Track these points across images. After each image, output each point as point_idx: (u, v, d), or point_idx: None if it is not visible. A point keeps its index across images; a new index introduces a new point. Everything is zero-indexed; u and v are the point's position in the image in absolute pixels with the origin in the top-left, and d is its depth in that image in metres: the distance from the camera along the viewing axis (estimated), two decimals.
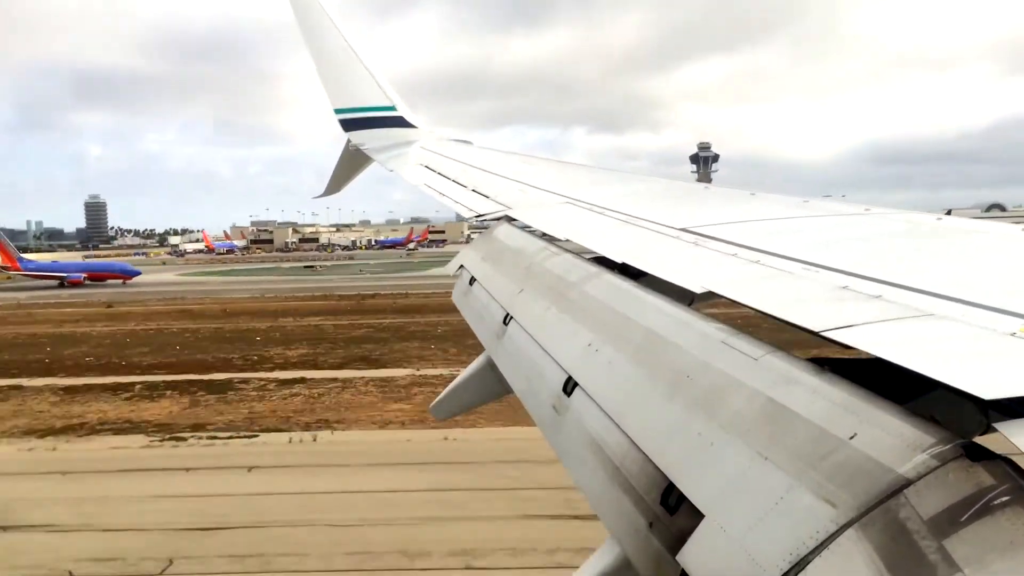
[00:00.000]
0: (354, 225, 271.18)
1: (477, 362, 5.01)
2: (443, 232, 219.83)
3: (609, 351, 3.04)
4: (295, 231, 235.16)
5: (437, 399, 5.42)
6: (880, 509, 1.58)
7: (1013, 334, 1.79)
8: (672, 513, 2.14)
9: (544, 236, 4.98)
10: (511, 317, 4.18)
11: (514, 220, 5.78)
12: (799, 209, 4.20)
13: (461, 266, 5.81)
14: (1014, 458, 1.58)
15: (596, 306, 3.49)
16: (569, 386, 3.05)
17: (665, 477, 2.21)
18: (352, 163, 12.13)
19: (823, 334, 2.19)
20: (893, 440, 1.71)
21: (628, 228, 4.42)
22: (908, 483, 1.58)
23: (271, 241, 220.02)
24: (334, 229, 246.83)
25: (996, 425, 1.62)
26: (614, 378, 2.87)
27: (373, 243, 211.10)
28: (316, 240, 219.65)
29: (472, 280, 5.35)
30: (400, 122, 11.63)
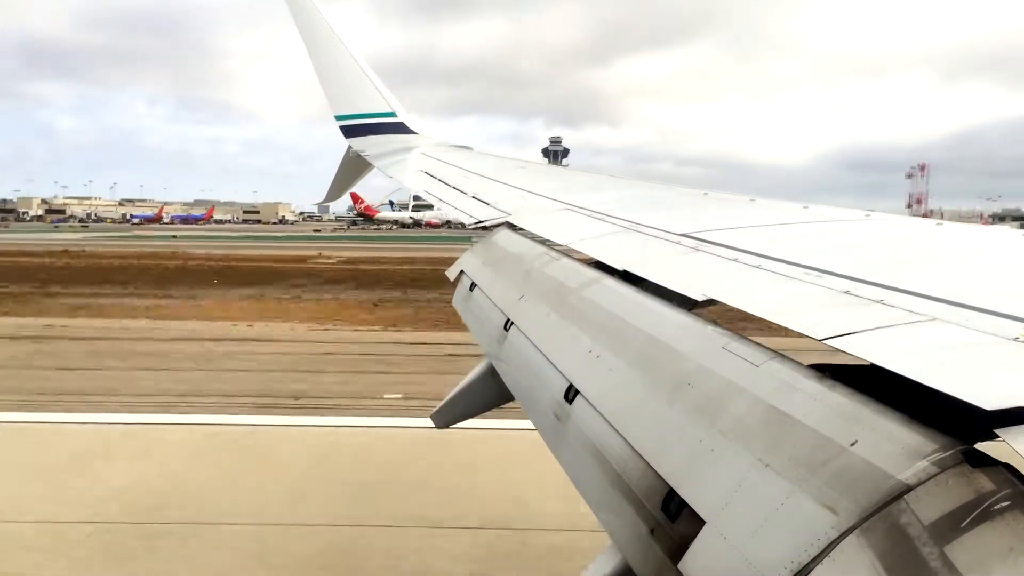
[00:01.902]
0: (148, 200, 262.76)
1: (478, 369, 5.02)
2: (257, 212, 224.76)
3: (610, 358, 3.03)
4: (44, 202, 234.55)
5: (437, 407, 5.41)
6: (881, 515, 1.58)
7: (1016, 339, 1.80)
8: (673, 520, 2.14)
9: (544, 242, 4.98)
10: (512, 323, 4.16)
11: (514, 226, 5.79)
12: (799, 215, 4.20)
13: (461, 272, 5.82)
14: (1016, 464, 1.57)
15: (597, 312, 3.49)
16: (570, 393, 3.04)
17: (666, 484, 2.21)
18: (352, 169, 12.22)
19: (825, 341, 2.18)
20: (894, 446, 1.71)
21: (628, 235, 4.42)
22: (909, 489, 1.58)
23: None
24: (118, 203, 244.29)
25: (999, 432, 1.60)
26: (615, 385, 2.87)
27: (173, 218, 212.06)
28: (63, 212, 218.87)
29: (472, 286, 5.35)
30: (401, 128, 11.74)
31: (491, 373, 4.56)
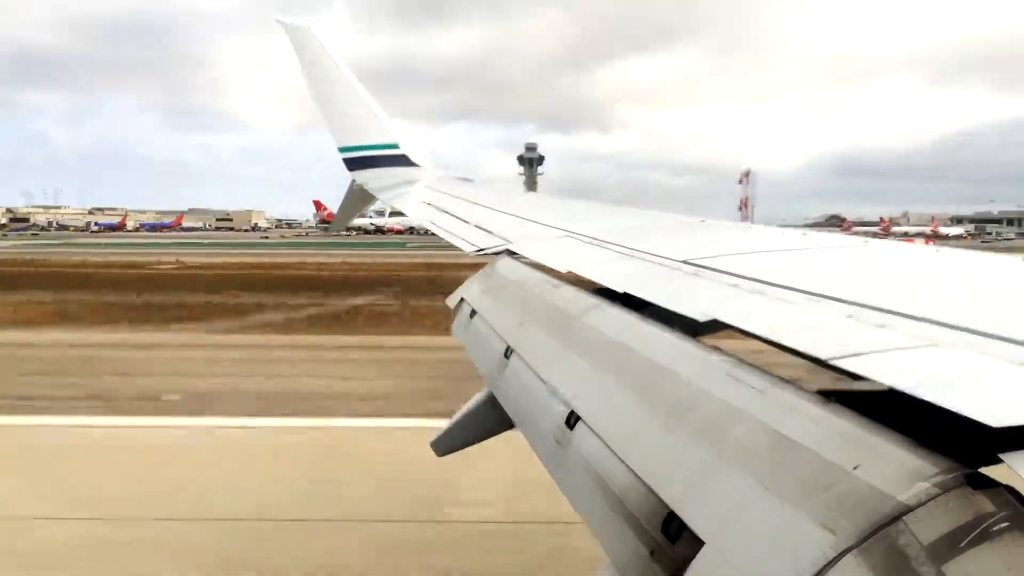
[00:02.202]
0: (119, 209, 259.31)
1: (478, 397, 5.02)
2: (230, 220, 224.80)
3: (611, 383, 3.05)
4: (8, 211, 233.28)
5: (437, 436, 5.40)
6: (879, 535, 1.59)
7: (1022, 364, 1.80)
8: (674, 542, 2.14)
9: (544, 269, 4.99)
10: (512, 350, 4.17)
11: (515, 254, 5.82)
12: (799, 240, 4.24)
13: (462, 299, 5.82)
14: (1019, 488, 1.58)
15: (597, 338, 3.50)
16: (571, 419, 3.04)
17: (666, 506, 2.22)
18: (357, 201, 12.34)
19: (831, 363, 2.20)
20: (895, 469, 1.73)
21: (628, 260, 4.46)
22: (908, 510, 1.59)
23: None
24: (86, 212, 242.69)
25: (1002, 456, 1.63)
26: (616, 410, 2.88)
27: (141, 225, 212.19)
28: (26, 220, 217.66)
29: (473, 313, 5.36)
30: (403, 161, 11.88)
31: (491, 401, 4.54)
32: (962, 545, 1.48)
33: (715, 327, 3.06)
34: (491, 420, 4.75)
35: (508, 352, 4.20)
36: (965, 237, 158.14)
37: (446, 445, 5.36)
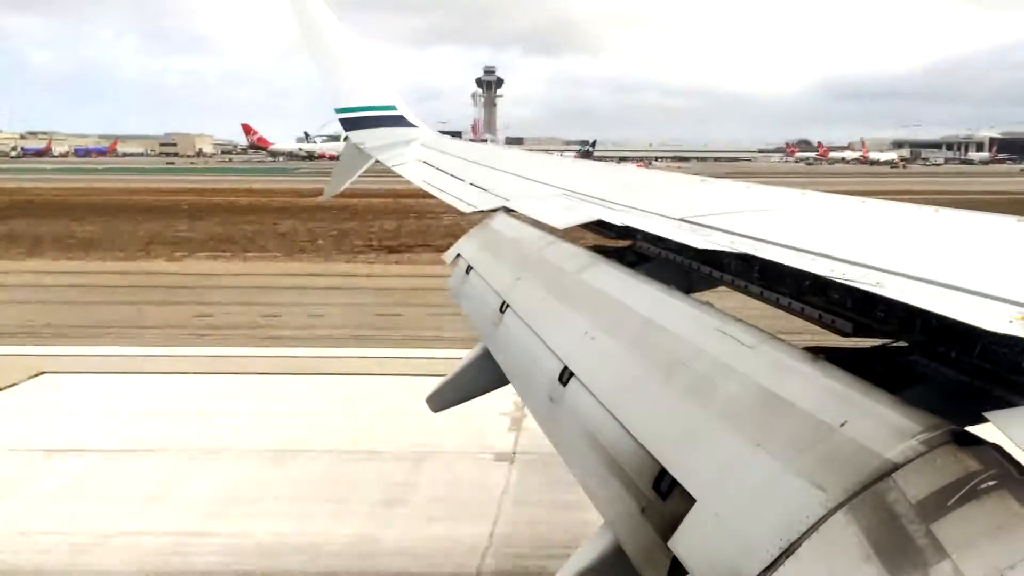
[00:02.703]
0: (55, 133, 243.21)
1: (473, 352, 5.00)
2: (174, 145, 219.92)
3: (604, 340, 3.06)
4: None
5: (433, 390, 5.40)
6: (868, 493, 1.61)
7: (1010, 321, 1.83)
8: (664, 498, 2.16)
9: (541, 225, 4.95)
10: (507, 306, 4.18)
11: (512, 211, 5.80)
12: (796, 199, 4.25)
13: (458, 255, 5.83)
14: (1004, 446, 1.60)
15: (592, 295, 3.51)
16: (565, 376, 3.06)
17: (658, 463, 2.23)
18: (353, 162, 12.39)
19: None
20: (883, 427, 1.74)
21: (628, 214, 4.40)
22: (896, 467, 1.61)
23: None
24: (18, 136, 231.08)
25: (987, 415, 1.65)
26: (609, 367, 2.89)
27: (76, 151, 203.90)
28: None
29: (469, 269, 5.37)
30: (400, 121, 11.96)
31: (486, 357, 4.55)
32: (950, 503, 1.49)
33: (707, 281, 3.21)
34: (486, 376, 4.76)
35: (503, 308, 4.22)
36: (897, 162, 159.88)
37: (440, 400, 5.38)
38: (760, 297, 3.19)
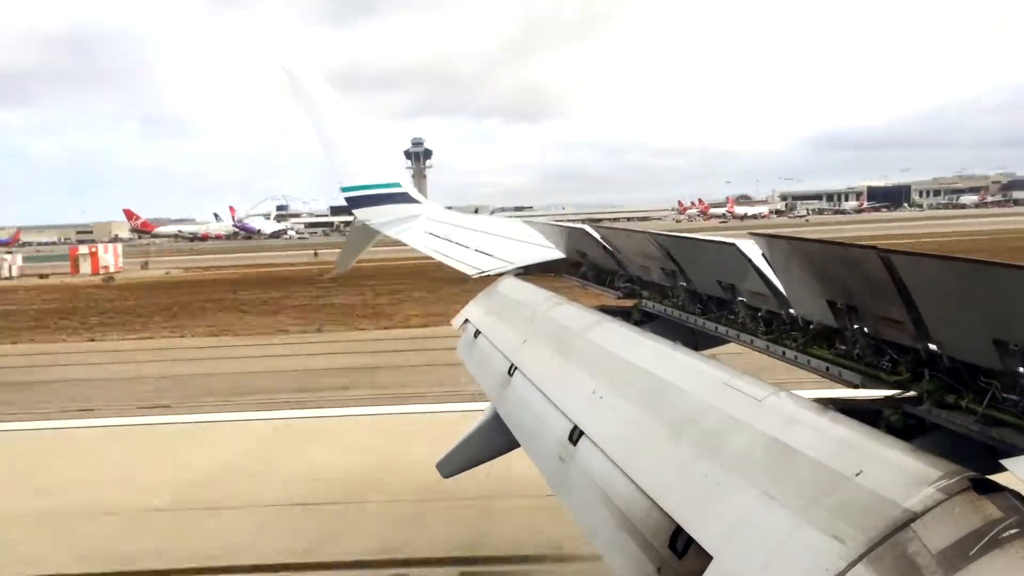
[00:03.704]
0: None
1: (483, 417, 5.07)
2: (91, 232, 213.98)
3: (613, 398, 3.06)
4: None
5: (444, 456, 5.45)
6: (888, 543, 1.58)
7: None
8: (680, 557, 2.13)
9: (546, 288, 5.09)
10: (515, 368, 4.20)
11: (518, 274, 5.96)
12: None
13: (466, 320, 5.89)
14: (1022, 491, 1.59)
15: (599, 353, 3.54)
16: (574, 435, 3.06)
17: (672, 521, 2.21)
18: (360, 238, 12.81)
19: None
20: (898, 475, 1.72)
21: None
22: (915, 517, 1.58)
23: None
24: None
25: (1004, 462, 1.65)
26: (619, 425, 2.89)
27: None
28: None
29: (477, 333, 5.42)
30: (405, 198, 12.38)
31: (496, 420, 4.55)
32: (972, 553, 1.46)
33: (713, 337, 3.29)
34: (496, 440, 4.79)
35: (511, 370, 4.24)
36: (766, 214, 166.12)
37: (451, 466, 5.41)
38: (767, 351, 3.25)
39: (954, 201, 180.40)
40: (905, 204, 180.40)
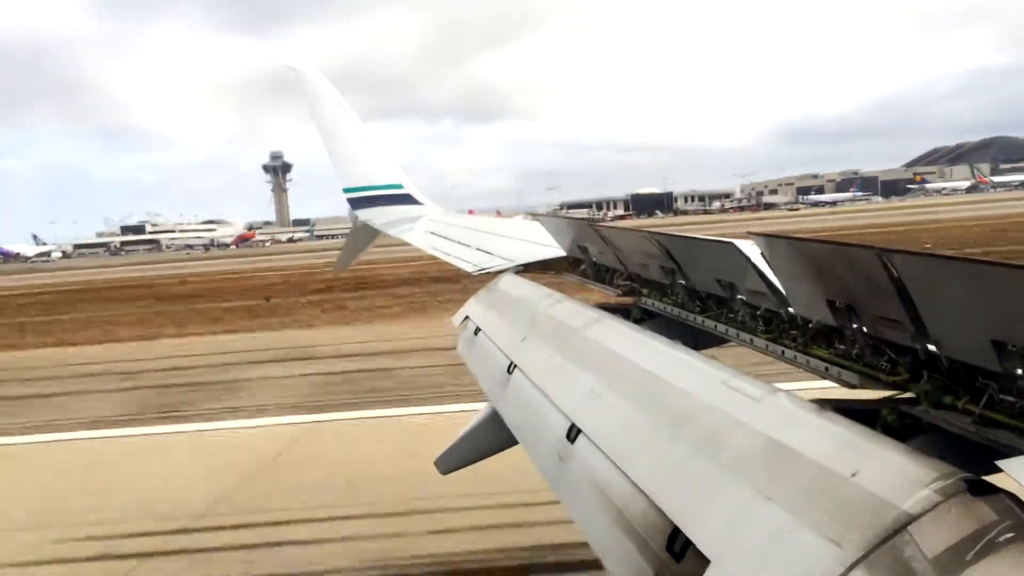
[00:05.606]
0: None
1: (482, 413, 5.06)
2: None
3: (611, 396, 3.06)
4: None
5: (442, 453, 5.43)
6: (885, 547, 1.57)
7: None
8: (678, 559, 2.13)
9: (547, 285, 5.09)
10: (515, 366, 4.20)
11: (519, 271, 5.95)
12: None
13: (466, 317, 5.90)
14: (1019, 493, 1.58)
15: (598, 351, 3.54)
16: (572, 433, 3.06)
17: (670, 522, 2.21)
18: (361, 238, 12.90)
19: None
20: (895, 476, 1.72)
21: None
22: (912, 519, 1.58)
23: None
24: None
25: (1000, 463, 1.64)
26: (617, 423, 2.88)
27: None
28: None
29: (477, 330, 5.42)
30: (407, 199, 12.48)
31: (494, 418, 4.56)
32: (968, 558, 1.46)
33: (712, 336, 3.26)
34: (494, 438, 4.79)
35: (511, 368, 4.24)
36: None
37: (449, 463, 5.41)
38: (766, 350, 3.24)
39: (706, 207, 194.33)
40: (657, 212, 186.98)
